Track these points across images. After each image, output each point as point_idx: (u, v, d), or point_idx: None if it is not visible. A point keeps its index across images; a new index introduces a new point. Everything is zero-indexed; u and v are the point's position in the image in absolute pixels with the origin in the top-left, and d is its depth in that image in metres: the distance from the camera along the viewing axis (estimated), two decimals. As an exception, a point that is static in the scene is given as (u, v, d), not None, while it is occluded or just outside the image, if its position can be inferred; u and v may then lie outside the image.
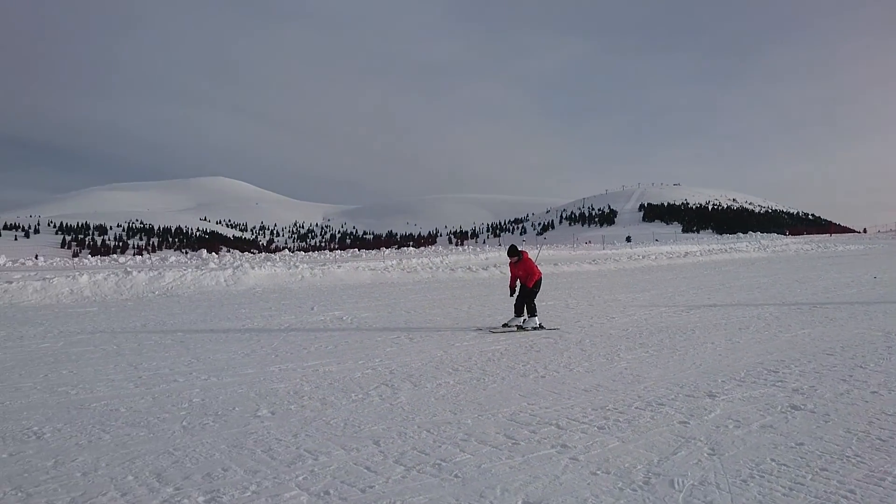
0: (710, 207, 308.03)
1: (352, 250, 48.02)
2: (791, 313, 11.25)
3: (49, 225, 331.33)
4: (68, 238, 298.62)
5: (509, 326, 10.21)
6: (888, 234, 79.63)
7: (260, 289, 18.55)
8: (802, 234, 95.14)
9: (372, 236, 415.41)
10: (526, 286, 10.37)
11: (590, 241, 77.96)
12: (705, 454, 4.26)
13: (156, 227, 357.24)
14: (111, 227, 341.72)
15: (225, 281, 19.00)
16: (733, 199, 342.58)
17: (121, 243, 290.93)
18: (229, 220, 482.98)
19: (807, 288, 16.13)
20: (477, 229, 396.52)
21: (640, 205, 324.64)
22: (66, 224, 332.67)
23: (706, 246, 48.38)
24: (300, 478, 4.02)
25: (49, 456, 4.53)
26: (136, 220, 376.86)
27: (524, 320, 10.20)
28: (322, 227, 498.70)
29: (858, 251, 39.50)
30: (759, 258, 33.35)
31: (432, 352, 8.32)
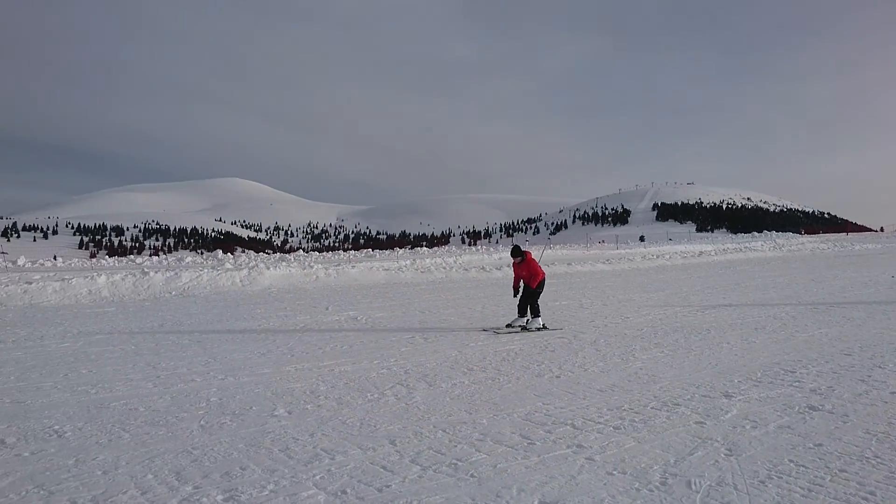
0: (724, 206, 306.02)
1: (365, 250, 48.15)
2: (808, 313, 11.16)
3: (67, 226, 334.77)
4: (86, 239, 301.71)
5: (512, 327, 10.17)
6: (906, 232, 78.69)
7: (275, 289, 18.65)
8: (818, 232, 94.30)
9: (385, 236, 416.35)
10: (529, 286, 10.32)
11: (603, 241, 77.69)
12: (722, 455, 4.25)
13: (171, 228, 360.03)
14: (128, 228, 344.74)
15: (240, 281, 19.12)
16: (748, 198, 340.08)
17: (137, 244, 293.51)
18: (244, 221, 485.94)
19: (823, 287, 15.99)
20: (490, 229, 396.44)
21: (654, 204, 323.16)
22: (84, 225, 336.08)
23: (720, 245, 48.06)
24: (317, 477, 4.05)
25: (70, 454, 4.60)
26: (153, 221, 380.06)
27: (527, 321, 10.16)
28: (336, 228, 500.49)
29: (875, 250, 39.06)
30: (775, 257, 33.09)
31: (447, 352, 8.34)
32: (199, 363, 7.86)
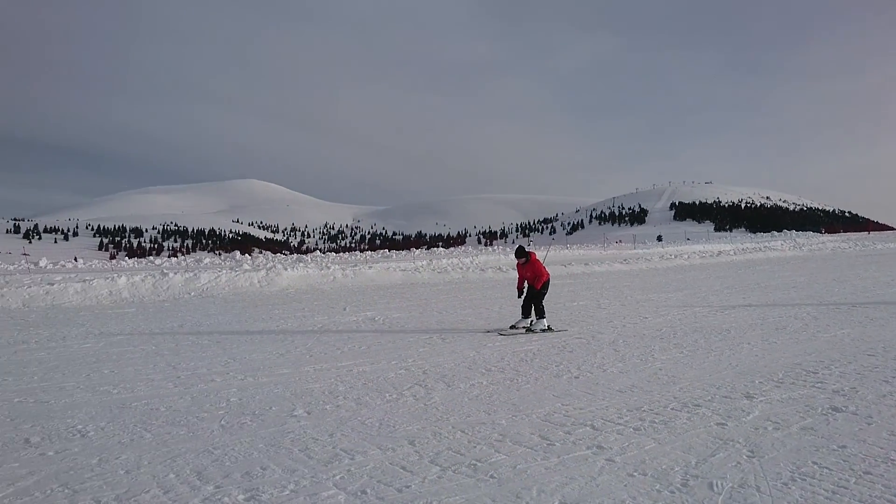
0: (742, 205, 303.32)
1: (382, 251, 48.26)
2: (829, 313, 11.03)
3: (87, 228, 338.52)
4: (105, 240, 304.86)
5: (516, 328, 10.10)
6: (930, 231, 77.54)
7: (293, 290, 18.75)
8: (839, 231, 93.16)
9: (401, 237, 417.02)
10: (534, 287, 10.24)
11: (620, 241, 77.26)
12: (744, 456, 4.21)
13: (190, 230, 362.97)
14: (147, 230, 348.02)
15: (258, 282, 19.24)
16: (766, 197, 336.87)
17: (156, 245, 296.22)
18: (261, 222, 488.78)
19: (845, 287, 15.79)
20: (506, 229, 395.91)
21: (671, 203, 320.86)
22: (104, 227, 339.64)
23: (739, 245, 47.63)
24: (337, 477, 4.06)
25: (93, 454, 4.65)
26: (171, 223, 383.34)
27: (531, 322, 10.09)
28: (352, 228, 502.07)
29: (899, 249, 38.51)
30: (795, 257, 32.73)
31: (465, 352, 8.34)
32: (218, 364, 7.93)
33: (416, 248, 54.18)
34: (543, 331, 9.84)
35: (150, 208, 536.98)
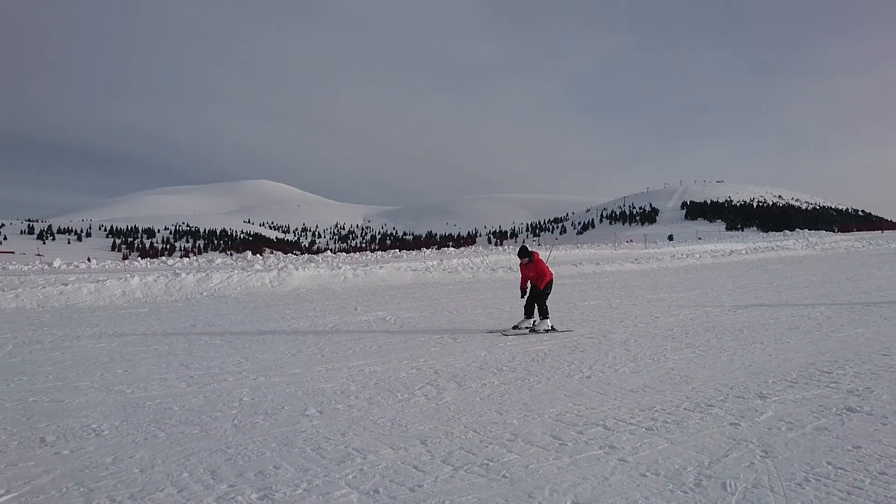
0: (754, 204, 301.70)
1: (393, 251, 48.34)
2: (843, 312, 10.95)
3: (100, 228, 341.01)
4: (118, 241, 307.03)
5: (519, 329, 10.03)
6: (945, 230, 76.79)
7: (304, 290, 18.81)
8: (852, 230, 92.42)
9: (412, 237, 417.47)
10: (537, 287, 10.18)
11: (631, 240, 77.00)
12: (758, 456, 4.19)
13: (201, 230, 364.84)
14: (159, 230, 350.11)
15: (270, 282, 19.32)
16: (779, 196, 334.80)
17: (168, 246, 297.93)
18: (272, 223, 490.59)
19: (859, 286, 15.67)
20: (516, 229, 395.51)
21: (683, 203, 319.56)
22: (116, 227, 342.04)
23: (751, 244, 47.36)
24: (350, 476, 4.08)
25: (108, 453, 4.69)
26: (183, 223, 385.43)
27: (534, 322, 10.04)
28: (362, 229, 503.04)
29: (913, 248, 38.17)
30: (808, 256, 32.50)
31: (476, 352, 8.34)
32: (231, 363, 7.97)
33: (427, 248, 54.24)
34: (547, 331, 9.79)
35: (161, 209, 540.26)
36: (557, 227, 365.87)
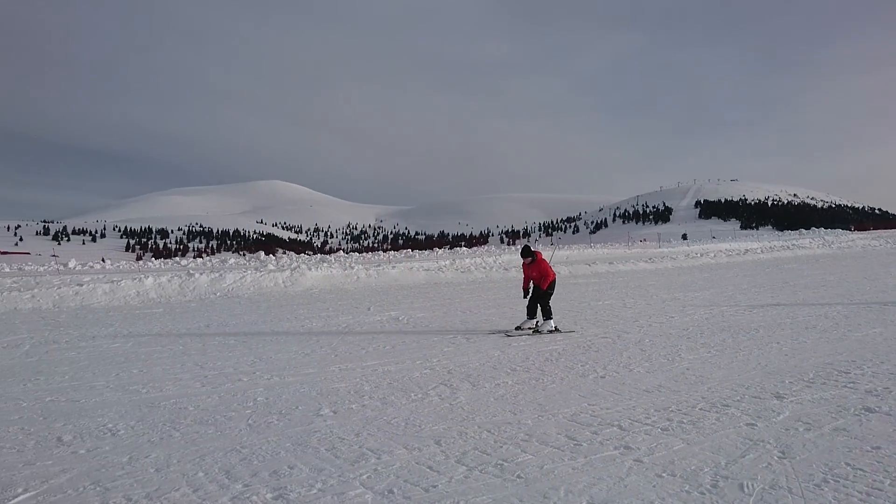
0: (769, 203, 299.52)
1: (405, 251, 48.37)
2: (861, 312, 10.83)
3: (114, 229, 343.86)
4: (132, 241, 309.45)
5: (522, 329, 9.93)
6: (963, 228, 75.84)
7: (317, 290, 18.87)
8: (869, 229, 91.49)
9: (424, 237, 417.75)
10: (540, 288, 10.07)
11: (645, 239, 76.61)
12: (775, 457, 4.15)
13: (214, 230, 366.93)
14: (172, 231, 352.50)
15: (283, 282, 19.39)
16: (794, 194, 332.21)
17: (181, 246, 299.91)
18: (284, 223, 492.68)
19: (877, 285, 15.49)
20: (529, 228, 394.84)
21: (696, 201, 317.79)
22: (130, 228, 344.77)
23: (766, 243, 47.00)
24: (364, 476, 4.07)
25: (124, 452, 4.72)
26: (196, 224, 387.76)
27: (537, 323, 9.95)
28: (375, 229, 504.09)
29: (931, 247, 37.73)
30: (824, 255, 32.20)
31: (490, 352, 8.32)
32: (245, 363, 8.00)
33: (439, 248, 54.22)
34: (550, 332, 9.70)
35: (175, 209, 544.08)
36: (570, 226, 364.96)
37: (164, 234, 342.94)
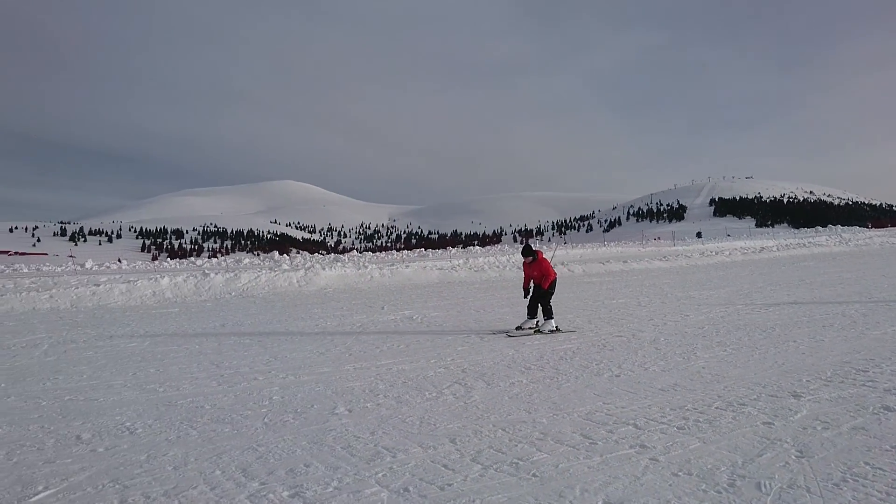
0: (785, 200, 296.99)
1: (418, 250, 48.41)
2: (879, 310, 10.71)
3: (130, 230, 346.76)
4: (147, 242, 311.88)
5: (523, 329, 9.87)
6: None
7: (331, 289, 18.93)
8: (886, 226, 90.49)
9: (437, 236, 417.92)
10: (541, 287, 10.01)
11: (659, 238, 76.22)
12: (793, 456, 4.11)
13: (229, 231, 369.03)
14: (187, 231, 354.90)
15: (297, 282, 19.47)
16: (810, 192, 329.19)
17: (196, 246, 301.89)
18: (298, 223, 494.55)
19: (895, 283, 15.32)
20: (542, 227, 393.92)
21: (711, 199, 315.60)
22: (146, 229, 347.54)
23: (782, 240, 46.61)
24: (379, 475, 4.09)
25: (142, 450, 4.76)
26: (210, 224, 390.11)
27: (538, 322, 9.90)
28: (388, 228, 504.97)
29: (950, 244, 37.25)
30: (841, 252, 31.88)
31: (504, 350, 8.32)
32: (260, 362, 8.04)
33: (452, 247, 54.18)
34: (552, 331, 9.65)
35: (190, 210, 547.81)
36: (584, 225, 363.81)
37: (179, 234, 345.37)
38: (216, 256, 54.60)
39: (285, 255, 42.72)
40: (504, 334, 9.73)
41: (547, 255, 10.82)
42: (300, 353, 8.65)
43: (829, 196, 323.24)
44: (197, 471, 4.29)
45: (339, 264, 25.83)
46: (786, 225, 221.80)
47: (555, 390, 6.12)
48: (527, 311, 10.14)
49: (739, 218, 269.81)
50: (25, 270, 33.74)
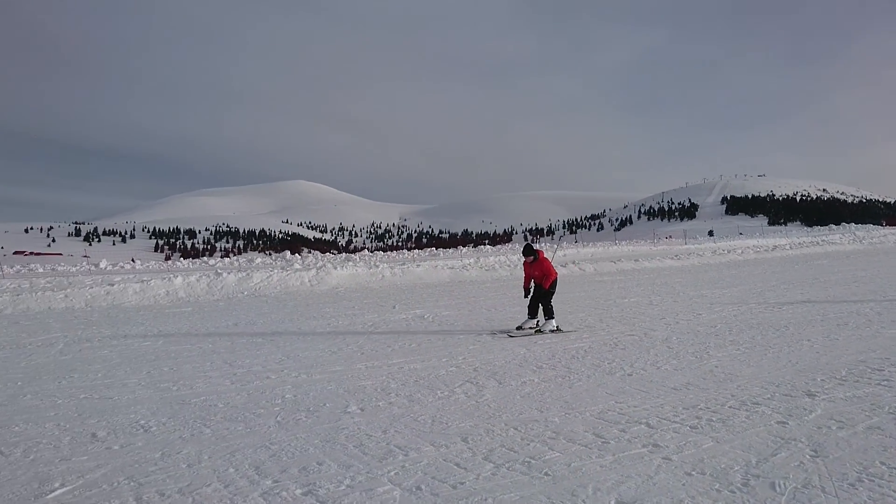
0: (797, 198, 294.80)
1: (429, 249, 48.43)
2: (894, 308, 10.61)
3: (143, 230, 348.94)
4: (160, 242, 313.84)
5: (524, 329, 9.83)
6: None
7: (342, 288, 18.97)
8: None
9: (448, 235, 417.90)
10: (542, 287, 9.97)
11: (670, 236, 75.84)
12: (807, 456, 4.09)
13: (241, 230, 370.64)
14: (200, 231, 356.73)
15: (309, 281, 19.53)
16: (823, 190, 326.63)
17: (209, 246, 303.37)
18: (309, 222, 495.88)
19: (910, 281, 15.18)
20: (553, 226, 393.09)
21: (723, 197, 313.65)
22: (159, 229, 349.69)
23: (795, 239, 46.28)
24: (392, 473, 4.10)
25: (156, 448, 4.80)
26: (223, 224, 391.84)
27: (538, 322, 9.87)
28: (399, 227, 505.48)
29: (967, 242, 36.85)
30: (855, 251, 31.61)
31: (515, 349, 8.31)
32: (273, 361, 8.08)
33: (463, 246, 54.16)
34: (552, 331, 9.61)
35: (202, 210, 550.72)
36: (595, 223, 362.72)
37: (191, 234, 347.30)
38: (228, 256, 54.88)
39: (297, 254, 42.87)
40: (505, 334, 9.70)
41: (548, 255, 10.79)
42: (312, 351, 8.68)
43: (842, 194, 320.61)
44: (211, 468, 4.32)
45: (350, 264, 25.89)
46: (798, 223, 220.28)
47: (567, 389, 6.11)
48: (527, 311, 10.13)
49: (752, 216, 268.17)
50: (41, 270, 34.05)
